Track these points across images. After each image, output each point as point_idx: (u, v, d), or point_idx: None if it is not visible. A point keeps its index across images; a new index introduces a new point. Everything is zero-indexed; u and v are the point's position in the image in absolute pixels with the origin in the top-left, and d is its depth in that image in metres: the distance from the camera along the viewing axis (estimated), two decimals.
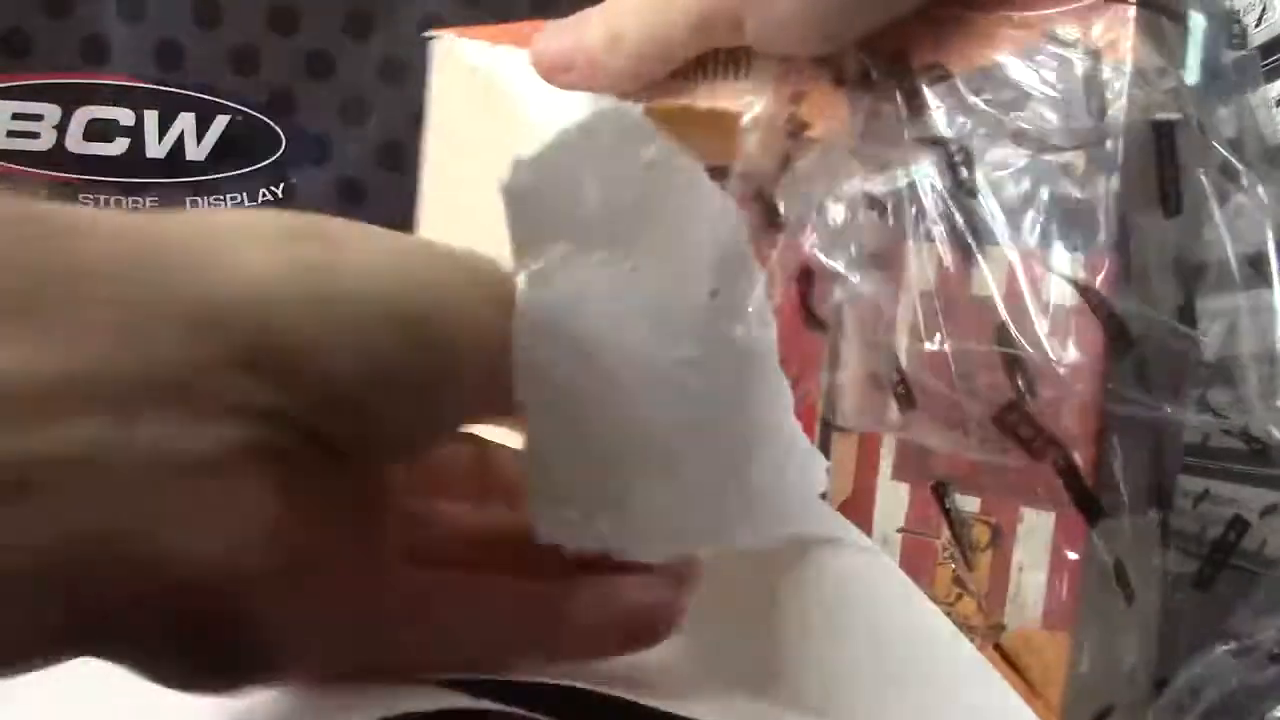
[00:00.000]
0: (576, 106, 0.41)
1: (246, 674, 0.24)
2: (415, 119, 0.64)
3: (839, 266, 0.32)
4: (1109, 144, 0.28)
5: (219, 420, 0.21)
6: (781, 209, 0.33)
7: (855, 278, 0.32)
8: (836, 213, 0.33)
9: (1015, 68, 0.30)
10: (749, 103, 0.36)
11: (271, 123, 0.62)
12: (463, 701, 0.26)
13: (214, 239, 0.22)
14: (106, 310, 0.20)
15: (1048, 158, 0.29)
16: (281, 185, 0.63)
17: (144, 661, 0.23)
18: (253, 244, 0.22)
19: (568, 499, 0.28)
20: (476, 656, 0.28)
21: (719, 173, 0.34)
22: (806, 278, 0.34)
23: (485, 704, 0.26)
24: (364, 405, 0.23)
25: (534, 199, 0.27)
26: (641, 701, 0.28)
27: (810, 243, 0.33)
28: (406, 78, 0.63)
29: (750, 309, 0.32)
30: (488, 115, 0.45)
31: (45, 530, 0.19)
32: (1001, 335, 0.30)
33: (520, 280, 0.27)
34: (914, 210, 0.31)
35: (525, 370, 0.27)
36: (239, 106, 0.61)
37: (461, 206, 0.43)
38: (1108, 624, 0.30)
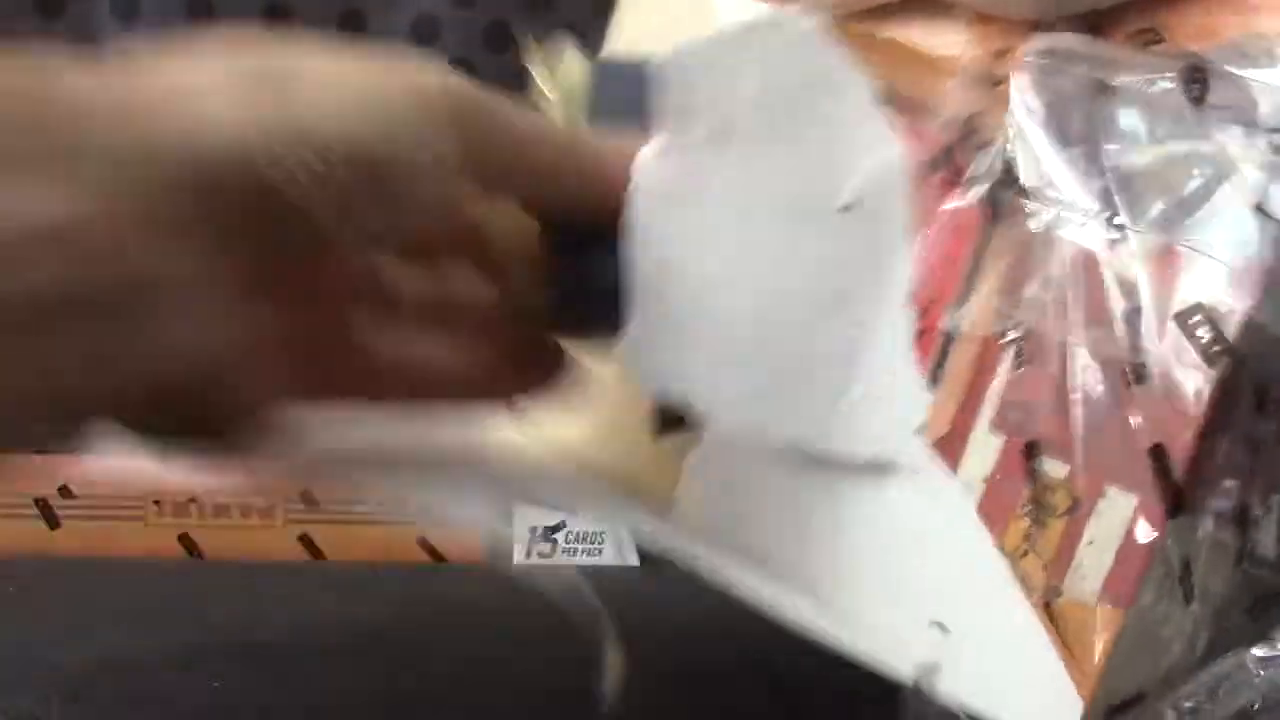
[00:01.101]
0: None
1: (233, 433, 0.29)
2: None
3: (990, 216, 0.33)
4: None
5: (201, 243, 0.26)
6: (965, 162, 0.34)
7: (1001, 233, 0.33)
8: (1002, 167, 0.33)
9: (1223, 54, 0.30)
10: (945, 47, 0.35)
11: None
12: None
13: (186, 97, 0.26)
14: (103, 164, 0.24)
15: (1210, 151, 0.29)
16: None
17: (157, 438, 0.29)
18: (218, 97, 0.26)
19: (657, 354, 0.31)
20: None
21: (901, 103, 0.34)
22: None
23: None
24: (328, 227, 0.27)
25: (685, 83, 0.29)
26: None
27: (973, 192, 0.33)
28: None
29: (889, 234, 0.32)
30: None
31: (75, 348, 0.24)
32: (1129, 320, 0.30)
33: (647, 148, 0.29)
34: (1070, 180, 0.31)
35: (633, 235, 0.29)
36: None
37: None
38: (1160, 618, 0.31)
